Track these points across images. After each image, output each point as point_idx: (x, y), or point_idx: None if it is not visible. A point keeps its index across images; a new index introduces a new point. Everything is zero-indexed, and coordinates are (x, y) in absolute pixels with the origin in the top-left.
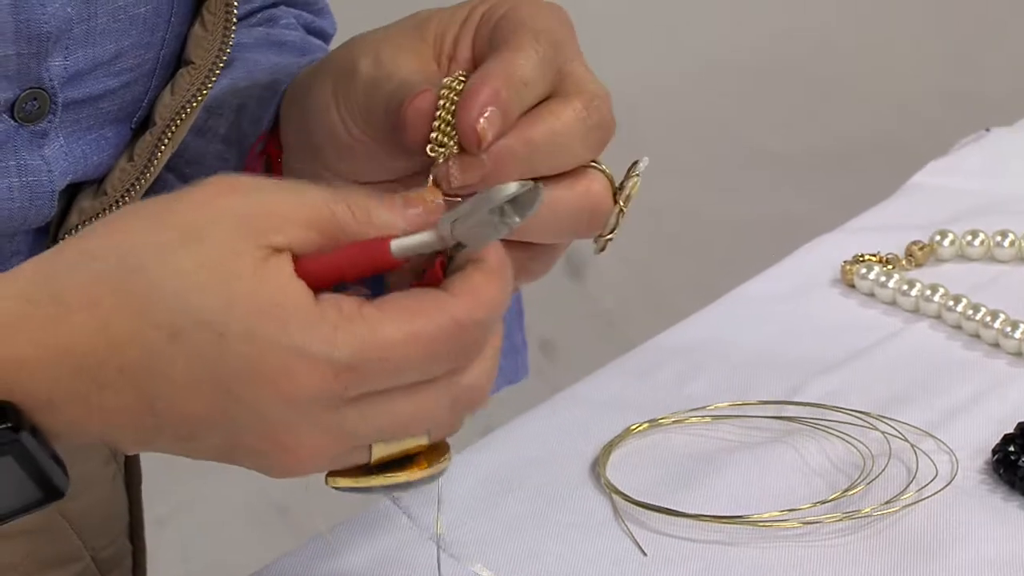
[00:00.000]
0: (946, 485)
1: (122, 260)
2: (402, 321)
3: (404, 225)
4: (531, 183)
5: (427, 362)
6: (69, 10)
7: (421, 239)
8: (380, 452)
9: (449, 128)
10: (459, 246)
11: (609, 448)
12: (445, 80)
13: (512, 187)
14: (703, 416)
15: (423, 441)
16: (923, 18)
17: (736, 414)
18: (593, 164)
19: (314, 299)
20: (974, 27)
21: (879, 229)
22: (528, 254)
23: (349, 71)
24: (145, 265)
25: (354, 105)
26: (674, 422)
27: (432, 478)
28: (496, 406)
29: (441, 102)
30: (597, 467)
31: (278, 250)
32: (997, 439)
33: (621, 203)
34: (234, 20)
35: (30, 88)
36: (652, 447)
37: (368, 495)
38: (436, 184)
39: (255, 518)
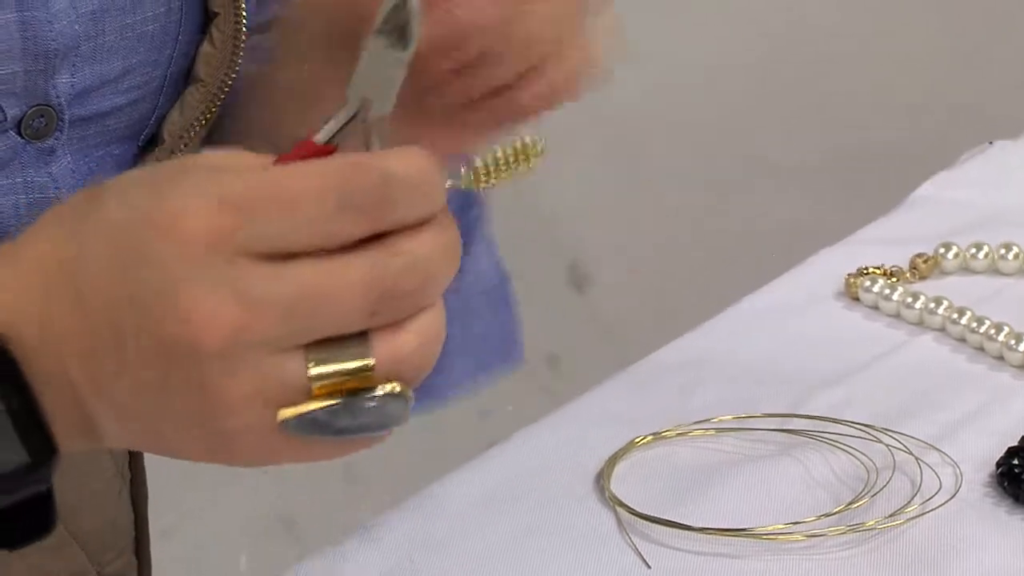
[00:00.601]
0: (950, 498)
1: (90, 200)
2: (297, 166)
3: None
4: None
5: (321, 201)
6: (77, 27)
7: (336, 115)
8: (318, 369)
9: (496, 169)
10: (368, 103)
11: (613, 461)
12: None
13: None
14: (707, 429)
15: (366, 360)
16: (928, 30)
17: (740, 427)
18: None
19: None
20: (979, 40)
21: (883, 242)
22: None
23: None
24: (106, 201)
25: (350, 23)
26: (678, 435)
27: (380, 414)
28: (500, 419)
29: (505, 151)
30: (601, 480)
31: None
32: (1001, 452)
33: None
34: (243, 38)
35: (37, 105)
36: (656, 460)
37: (323, 437)
38: None
39: (260, 530)
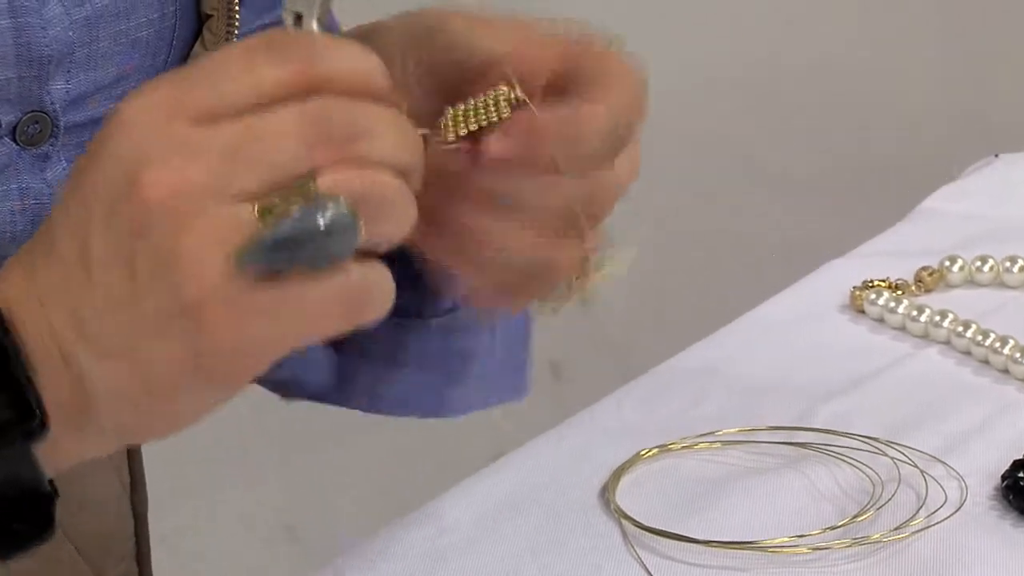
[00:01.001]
0: (955, 511)
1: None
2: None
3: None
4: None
5: (249, 58)
6: (71, 33)
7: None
8: (264, 202)
9: (473, 116)
10: (299, 17)
11: (618, 473)
12: (502, 89)
13: None
14: (712, 441)
15: (309, 180)
16: (933, 42)
17: (745, 439)
18: None
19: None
20: (985, 52)
21: (888, 255)
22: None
23: (431, 28)
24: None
25: (424, 61)
26: (683, 447)
27: (329, 225)
28: (504, 431)
29: (488, 96)
30: (606, 492)
31: None
32: (1006, 465)
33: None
34: (235, 40)
35: (32, 111)
36: (661, 472)
37: (279, 266)
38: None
39: (262, 537)
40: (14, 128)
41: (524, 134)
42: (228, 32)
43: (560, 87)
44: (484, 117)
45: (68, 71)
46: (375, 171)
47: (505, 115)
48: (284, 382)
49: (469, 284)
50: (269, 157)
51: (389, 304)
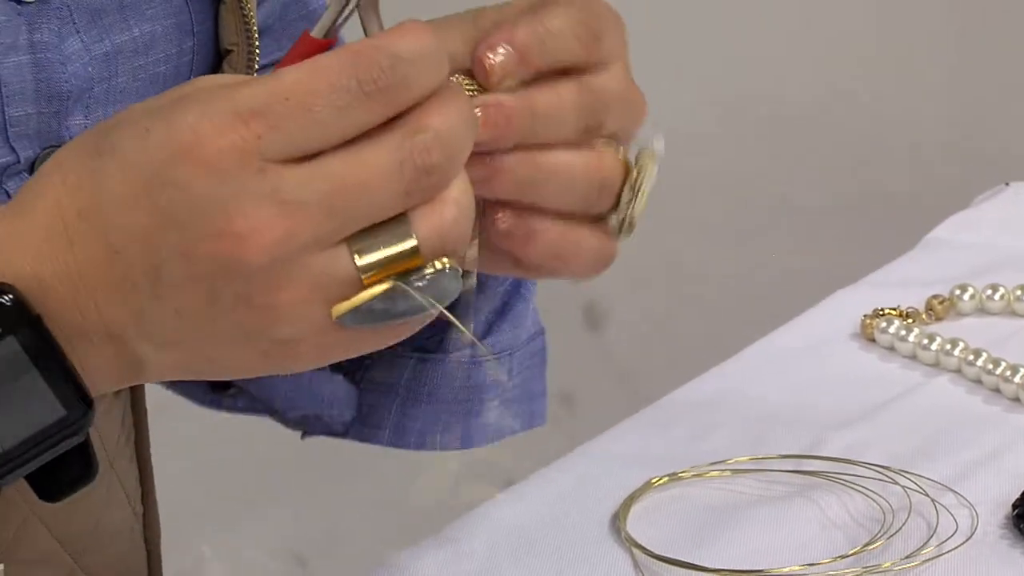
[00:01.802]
0: (966, 540)
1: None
2: (303, 66)
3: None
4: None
5: (336, 94)
6: (90, 69)
7: (329, 7)
8: (365, 259)
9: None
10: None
11: (629, 502)
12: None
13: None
14: (723, 470)
15: (410, 241)
16: (943, 72)
17: (756, 468)
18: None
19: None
20: (993, 82)
21: (899, 283)
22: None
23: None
24: (111, 131)
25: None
26: (694, 476)
27: (433, 291)
28: (516, 459)
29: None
30: (617, 521)
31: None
32: (1017, 494)
33: (633, 183)
34: (255, 75)
35: (51, 147)
36: (672, 501)
37: (378, 325)
38: None
39: (275, 567)
40: (32, 163)
41: (515, 48)
42: (248, 67)
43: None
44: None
45: (87, 107)
46: (460, 215)
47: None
48: (305, 418)
49: (537, 254)
50: (371, 206)
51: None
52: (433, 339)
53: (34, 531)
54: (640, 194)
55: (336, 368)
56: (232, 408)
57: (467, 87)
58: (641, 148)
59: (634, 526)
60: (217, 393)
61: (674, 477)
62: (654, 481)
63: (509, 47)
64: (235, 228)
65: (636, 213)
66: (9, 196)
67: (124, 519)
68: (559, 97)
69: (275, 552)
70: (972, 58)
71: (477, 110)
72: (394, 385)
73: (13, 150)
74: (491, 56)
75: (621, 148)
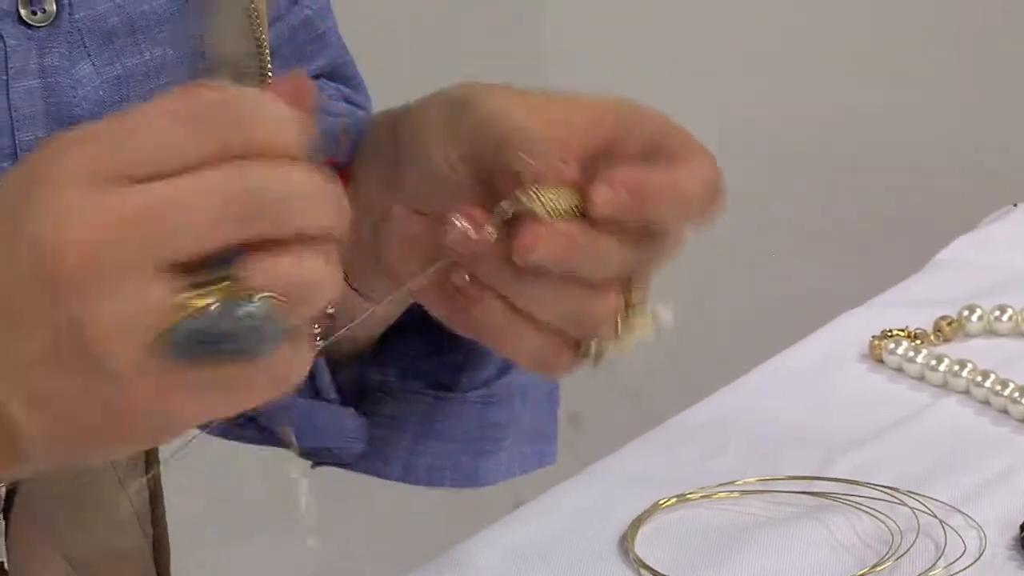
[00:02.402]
0: (974, 561)
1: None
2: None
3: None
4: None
5: (170, 119)
6: (101, 93)
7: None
8: (184, 282)
9: (557, 195)
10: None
11: (637, 523)
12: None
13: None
14: (731, 491)
15: (224, 271)
16: (949, 93)
17: (764, 489)
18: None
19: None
20: (1003, 102)
21: (907, 304)
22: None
23: (474, 100)
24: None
25: (469, 133)
26: (702, 497)
27: (252, 320)
28: (524, 480)
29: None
30: (625, 542)
31: None
32: None
33: (621, 327)
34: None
35: None
36: (680, 522)
37: (202, 357)
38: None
39: None
40: None
41: (632, 191)
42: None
43: (616, 156)
44: (575, 197)
45: None
46: (298, 254)
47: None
48: (315, 450)
49: (507, 350)
50: (183, 228)
51: (304, 375)
52: (449, 377)
53: (45, 554)
54: (623, 343)
55: (347, 401)
56: (241, 438)
57: (544, 195)
58: (652, 307)
59: (642, 547)
60: (227, 423)
61: (682, 498)
62: (662, 502)
63: (627, 193)
64: (58, 242)
65: (607, 354)
66: None
67: (135, 541)
68: (619, 250)
69: (286, 571)
70: (980, 79)
71: (540, 231)
72: (406, 421)
73: None
74: (609, 192)
75: (634, 287)
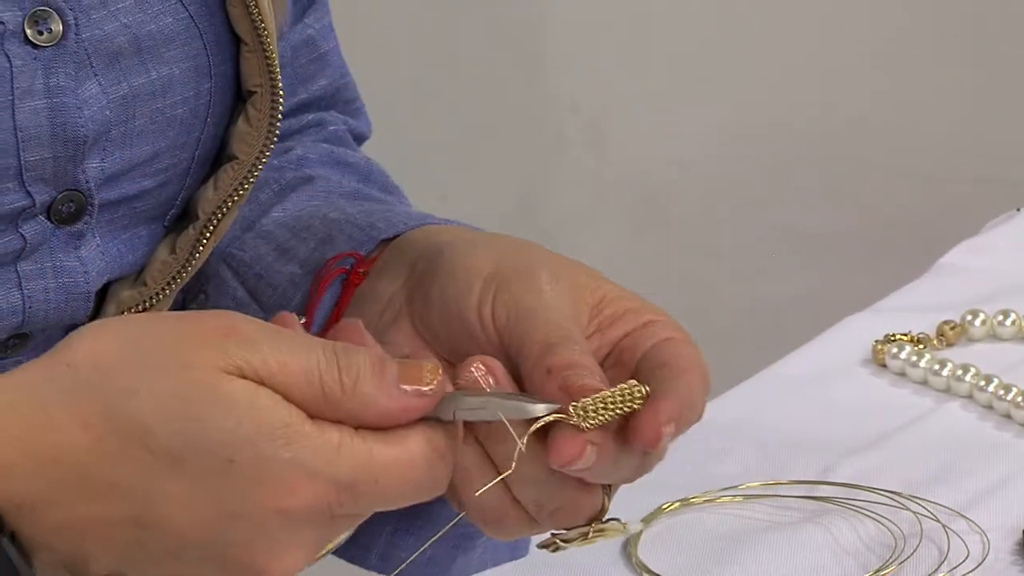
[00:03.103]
0: (977, 566)
1: (107, 378)
2: (397, 451)
3: (386, 404)
4: (555, 406)
5: (411, 492)
6: (108, 113)
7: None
8: None
9: (603, 408)
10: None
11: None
12: (631, 381)
13: (539, 408)
14: (735, 496)
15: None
16: (952, 98)
17: (768, 494)
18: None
19: (309, 420)
20: (1006, 107)
21: (910, 309)
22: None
23: (522, 274)
24: (135, 389)
25: (513, 311)
26: (705, 502)
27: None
28: None
29: (615, 390)
30: (629, 546)
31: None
32: None
33: (591, 530)
34: (279, 116)
35: (67, 190)
36: (684, 527)
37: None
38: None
39: None
40: (48, 207)
41: (678, 420)
42: (272, 107)
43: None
44: (617, 408)
45: (104, 150)
46: None
47: (638, 406)
48: None
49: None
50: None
51: None
52: None
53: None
54: (585, 541)
55: None
56: None
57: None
58: (623, 522)
59: (645, 552)
60: None
61: (685, 503)
62: (665, 507)
63: (675, 427)
64: (268, 557)
65: (566, 546)
66: (25, 240)
67: None
68: (631, 465)
69: None
70: (983, 84)
71: (580, 442)
72: (389, 513)
73: (29, 194)
74: (666, 431)
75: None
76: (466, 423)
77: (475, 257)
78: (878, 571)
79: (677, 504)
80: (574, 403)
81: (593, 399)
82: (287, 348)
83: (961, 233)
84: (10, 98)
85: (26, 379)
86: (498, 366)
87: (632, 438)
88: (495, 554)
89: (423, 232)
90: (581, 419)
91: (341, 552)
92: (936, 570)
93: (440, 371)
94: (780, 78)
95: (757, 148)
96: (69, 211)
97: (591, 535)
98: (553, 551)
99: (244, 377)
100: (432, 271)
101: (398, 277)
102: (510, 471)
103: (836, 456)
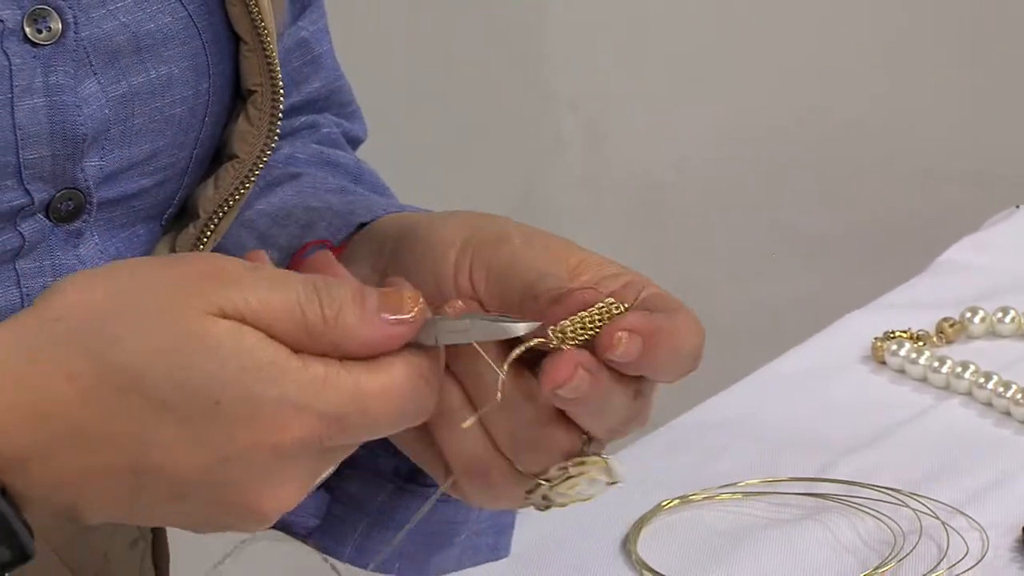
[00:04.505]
0: (976, 563)
1: (93, 328)
2: (384, 382)
3: (369, 334)
4: (535, 324)
5: (395, 420)
6: (107, 111)
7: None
8: None
9: (581, 329)
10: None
11: (640, 524)
12: (608, 299)
13: (520, 327)
14: (734, 493)
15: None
16: (952, 96)
17: (767, 491)
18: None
19: (295, 355)
20: (1005, 104)
21: (909, 306)
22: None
23: (496, 237)
24: (121, 337)
25: (492, 271)
26: (705, 499)
27: None
28: None
29: (592, 310)
30: (628, 544)
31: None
32: None
33: (568, 470)
34: (280, 115)
35: (65, 189)
36: (683, 524)
37: None
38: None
39: None
40: (47, 205)
41: (648, 336)
42: (273, 106)
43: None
44: (596, 328)
45: (102, 148)
46: None
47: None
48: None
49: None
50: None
51: None
52: (409, 470)
53: (44, 558)
54: (570, 484)
55: None
56: None
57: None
58: (605, 457)
59: (644, 549)
60: None
61: (684, 500)
62: (664, 504)
63: (640, 340)
64: (264, 495)
65: (554, 498)
66: (23, 238)
67: (133, 548)
68: (627, 402)
69: (285, 572)
70: (982, 81)
71: (582, 367)
72: (366, 505)
73: (28, 192)
74: (625, 336)
75: (593, 439)
76: (448, 354)
77: (447, 229)
78: (877, 568)
79: (676, 501)
80: (552, 327)
81: (571, 320)
82: (268, 285)
83: (961, 231)
84: (9, 96)
85: (12, 334)
86: (477, 307)
87: (596, 345)
88: (475, 554)
89: (393, 218)
90: (560, 341)
91: (317, 542)
92: (935, 567)
93: (420, 298)
94: (779, 79)
95: (756, 148)
96: (68, 209)
97: (571, 471)
98: (544, 507)
99: (227, 318)
100: (407, 247)
101: (366, 260)
102: (497, 400)
103: (835, 453)
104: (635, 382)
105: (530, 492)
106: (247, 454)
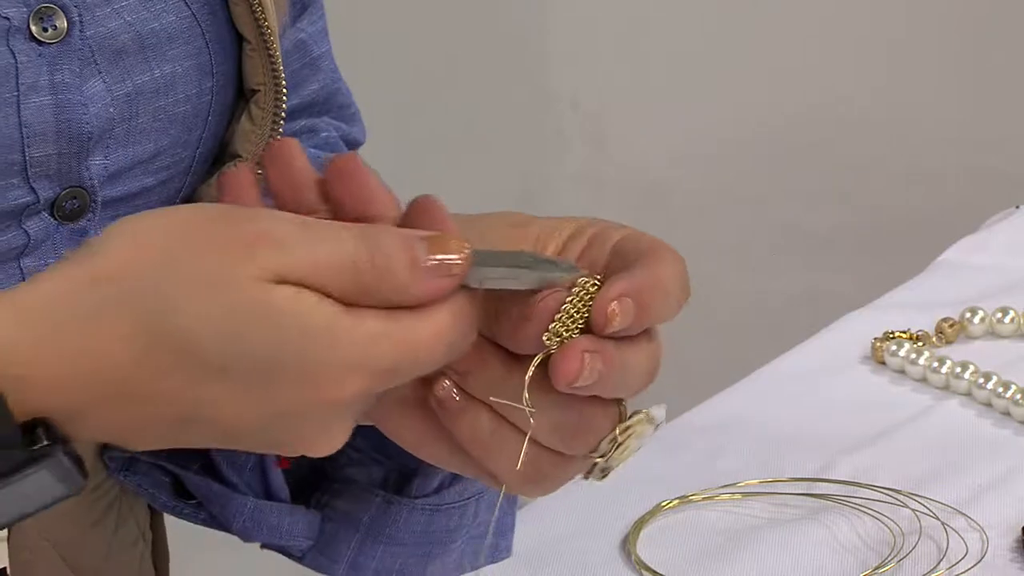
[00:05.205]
0: (976, 563)
1: (146, 293)
2: (431, 329)
3: (421, 289)
4: (576, 269)
5: (445, 356)
6: (112, 110)
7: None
8: None
9: (571, 321)
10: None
11: (640, 524)
12: (580, 279)
13: (558, 275)
14: (734, 493)
15: None
16: (952, 95)
17: (767, 491)
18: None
19: (348, 313)
20: (1006, 104)
21: (909, 306)
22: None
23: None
24: (176, 305)
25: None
26: (705, 499)
27: None
28: None
29: (570, 298)
30: (627, 544)
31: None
32: None
33: (617, 437)
34: (283, 115)
35: (70, 187)
36: (683, 523)
37: None
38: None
39: None
40: (52, 203)
41: (636, 296)
42: (276, 105)
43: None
44: (583, 312)
45: (107, 147)
46: None
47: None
48: (264, 544)
49: (493, 466)
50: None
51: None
52: (400, 480)
53: (46, 557)
54: (622, 449)
55: (299, 497)
56: (192, 519)
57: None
58: (643, 409)
59: (644, 549)
60: (179, 502)
61: (684, 500)
62: (664, 504)
63: (631, 300)
64: (316, 437)
65: (612, 465)
66: (29, 236)
67: (134, 544)
68: (644, 362)
69: (284, 573)
70: (983, 80)
71: (587, 352)
72: (356, 520)
73: (33, 190)
74: (618, 306)
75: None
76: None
77: (490, 219)
78: (877, 568)
79: (676, 501)
80: (545, 334)
81: (556, 320)
82: (318, 244)
83: (960, 230)
84: (15, 94)
85: (64, 292)
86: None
87: (592, 327)
88: (476, 556)
89: None
90: (559, 343)
91: (311, 562)
92: (935, 567)
93: (466, 244)
94: (779, 77)
95: (755, 147)
96: (73, 208)
97: (619, 438)
98: (602, 477)
99: (283, 282)
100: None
101: None
102: (531, 425)
103: (835, 453)
104: (641, 334)
105: (588, 472)
106: (303, 409)
